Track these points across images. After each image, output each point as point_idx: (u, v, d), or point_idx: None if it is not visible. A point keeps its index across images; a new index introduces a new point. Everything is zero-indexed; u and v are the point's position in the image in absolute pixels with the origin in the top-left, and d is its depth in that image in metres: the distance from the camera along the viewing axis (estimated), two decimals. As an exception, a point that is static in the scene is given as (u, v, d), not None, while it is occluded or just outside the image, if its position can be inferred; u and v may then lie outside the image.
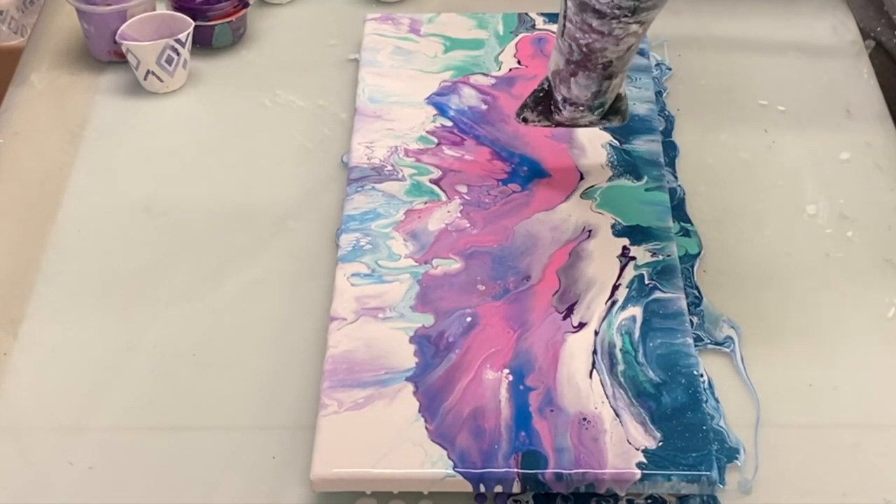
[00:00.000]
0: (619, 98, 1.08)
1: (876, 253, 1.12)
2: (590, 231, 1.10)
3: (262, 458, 0.96)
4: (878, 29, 1.35)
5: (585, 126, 1.11)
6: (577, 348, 1.00)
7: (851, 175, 1.20)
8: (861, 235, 1.13)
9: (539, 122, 1.12)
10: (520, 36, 1.31)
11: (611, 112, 1.09)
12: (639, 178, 1.15)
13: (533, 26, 1.32)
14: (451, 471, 0.91)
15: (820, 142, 1.23)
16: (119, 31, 1.28)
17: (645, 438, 0.94)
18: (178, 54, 1.27)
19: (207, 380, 1.02)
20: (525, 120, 1.12)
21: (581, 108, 1.07)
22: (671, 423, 0.95)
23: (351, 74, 1.30)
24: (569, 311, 1.03)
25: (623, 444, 0.93)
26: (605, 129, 1.16)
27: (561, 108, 1.08)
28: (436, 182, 1.14)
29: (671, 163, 1.19)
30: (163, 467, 0.96)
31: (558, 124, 1.11)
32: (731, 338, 1.04)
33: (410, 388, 0.97)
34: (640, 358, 0.99)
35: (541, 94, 1.10)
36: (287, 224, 1.15)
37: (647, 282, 1.05)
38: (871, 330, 1.05)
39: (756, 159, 1.21)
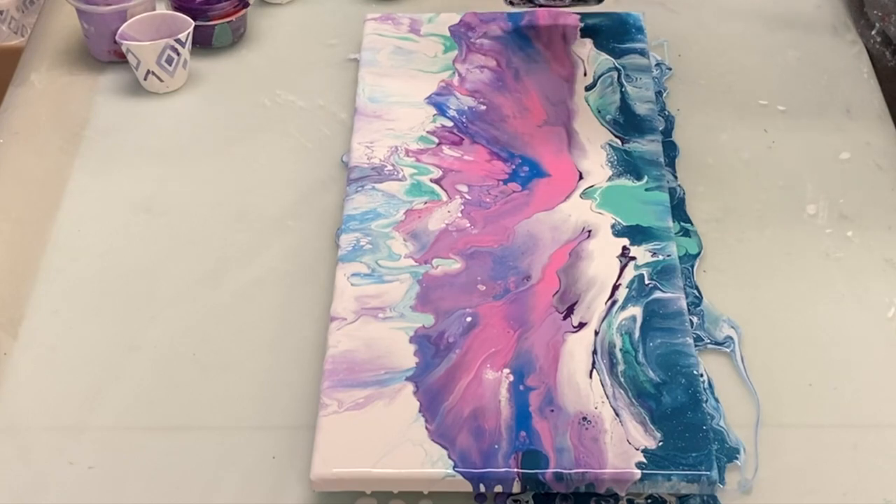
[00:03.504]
0: None
1: (876, 253, 1.12)
2: (590, 231, 1.10)
3: (262, 458, 0.96)
4: (858, 31, 1.35)
5: (564, 7, 1.30)
6: (578, 348, 1.00)
7: (851, 175, 1.20)
8: (861, 235, 1.13)
9: (524, 5, 1.29)
10: (520, 36, 1.31)
11: None
12: (639, 178, 1.15)
13: (533, 26, 1.32)
14: (451, 471, 0.91)
15: (820, 142, 1.23)
16: (119, 31, 1.28)
17: (645, 438, 0.94)
18: (178, 54, 1.27)
19: (207, 380, 1.02)
20: (512, 3, 1.29)
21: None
22: (671, 423, 0.95)
23: (351, 74, 1.30)
24: (569, 311, 1.03)
25: (623, 444, 0.93)
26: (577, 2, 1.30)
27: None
28: (436, 182, 1.14)
29: (671, 163, 1.19)
30: (163, 467, 0.96)
31: (540, 6, 1.30)
32: (731, 338, 1.04)
33: (410, 387, 0.97)
34: (640, 358, 0.99)
35: None
36: (287, 224, 1.15)
37: (647, 282, 1.05)
38: (871, 330, 1.05)
39: (756, 159, 1.21)
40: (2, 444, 0.98)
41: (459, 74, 1.26)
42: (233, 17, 1.33)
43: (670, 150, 1.21)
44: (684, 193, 1.16)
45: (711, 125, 1.25)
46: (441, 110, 1.22)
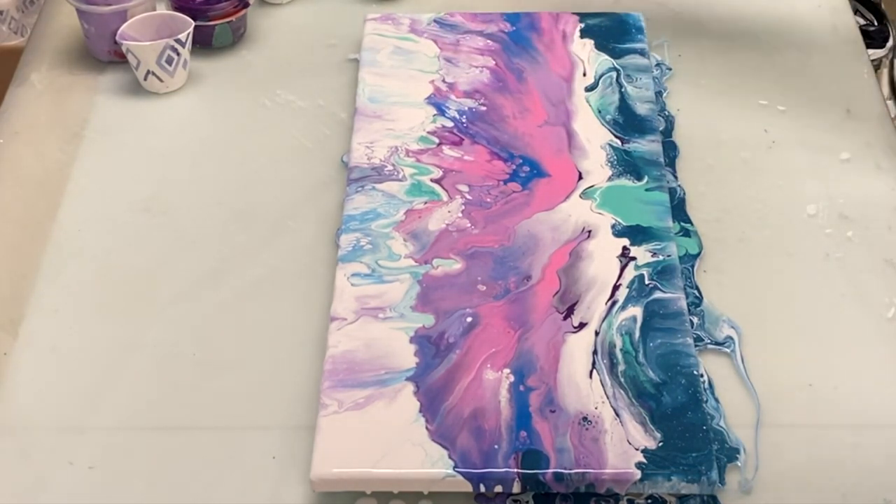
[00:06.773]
0: None
1: (876, 253, 1.12)
2: (590, 231, 1.10)
3: (262, 458, 0.96)
4: None
5: None
6: (578, 348, 1.00)
7: (851, 175, 1.20)
8: (861, 235, 1.13)
9: None
10: (520, 36, 1.31)
11: None
12: (639, 178, 1.15)
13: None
14: (451, 471, 0.92)
15: (820, 142, 1.23)
16: (119, 31, 1.28)
17: (645, 438, 0.94)
18: (178, 54, 1.27)
19: (207, 380, 1.02)
20: None
21: None
22: (671, 423, 0.95)
23: (351, 74, 1.30)
24: (569, 312, 1.03)
25: (623, 444, 0.93)
26: None
27: None
28: (436, 182, 1.14)
29: (671, 163, 1.19)
30: (163, 467, 0.96)
31: None
32: (731, 338, 1.04)
33: (411, 388, 0.97)
34: (641, 358, 0.99)
35: None
36: (287, 224, 1.15)
37: (647, 282, 1.05)
38: (871, 330, 1.05)
39: (756, 159, 1.21)
40: (2, 444, 0.98)
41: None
42: (233, 17, 1.33)
43: (670, 150, 1.21)
44: (684, 193, 1.16)
45: (711, 125, 1.25)
46: (441, 110, 1.22)
